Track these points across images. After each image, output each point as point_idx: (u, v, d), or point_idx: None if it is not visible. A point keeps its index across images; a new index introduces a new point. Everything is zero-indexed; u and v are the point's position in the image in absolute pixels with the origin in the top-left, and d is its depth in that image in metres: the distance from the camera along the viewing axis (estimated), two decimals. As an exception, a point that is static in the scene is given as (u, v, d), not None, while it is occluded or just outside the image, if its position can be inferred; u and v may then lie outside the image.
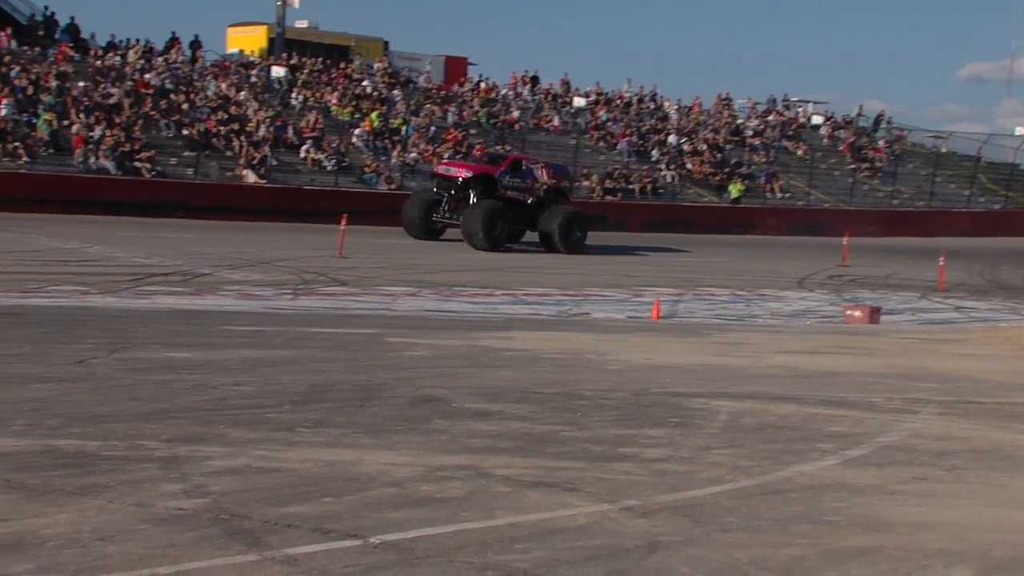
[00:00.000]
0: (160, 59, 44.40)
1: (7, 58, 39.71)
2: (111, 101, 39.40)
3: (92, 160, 36.06)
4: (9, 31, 41.77)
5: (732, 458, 8.38)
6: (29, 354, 11.12)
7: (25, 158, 35.00)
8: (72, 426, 8.06)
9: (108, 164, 36.16)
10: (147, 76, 42.17)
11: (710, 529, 6.62)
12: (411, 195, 35.14)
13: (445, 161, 37.07)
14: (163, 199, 35.83)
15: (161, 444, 7.70)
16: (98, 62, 42.27)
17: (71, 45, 42.86)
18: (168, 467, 7.16)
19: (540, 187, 33.33)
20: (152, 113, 39.92)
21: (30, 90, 38.04)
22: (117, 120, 38.35)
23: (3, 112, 36.15)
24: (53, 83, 38.91)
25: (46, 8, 44.78)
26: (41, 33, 43.48)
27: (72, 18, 45.12)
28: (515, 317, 17.56)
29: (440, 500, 6.85)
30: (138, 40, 45.36)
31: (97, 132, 36.90)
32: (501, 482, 7.33)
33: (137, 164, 36.93)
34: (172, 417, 8.57)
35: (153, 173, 37.23)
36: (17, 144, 35.17)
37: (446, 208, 32.54)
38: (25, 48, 41.30)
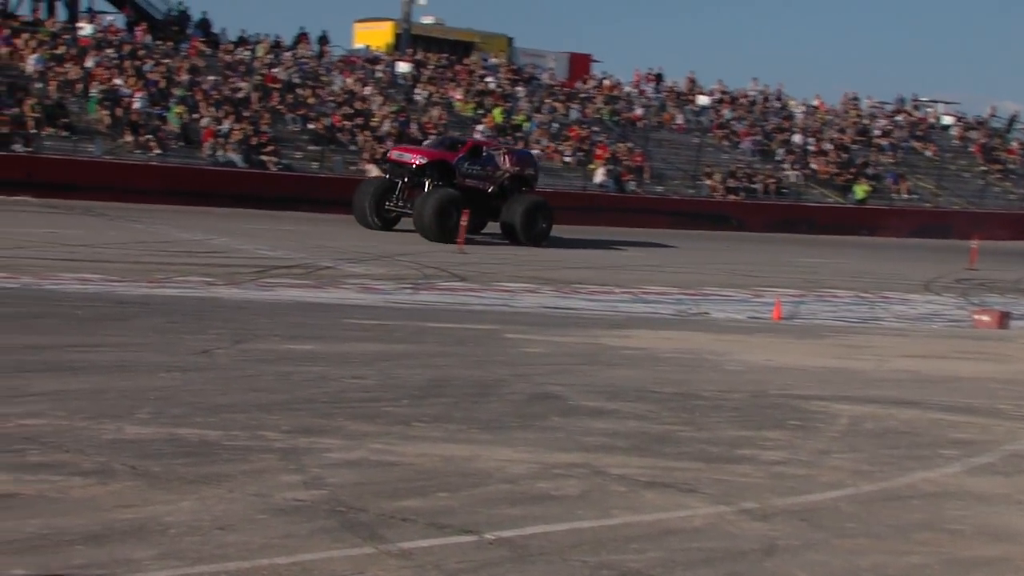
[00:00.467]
0: (288, 54, 44.98)
1: (141, 52, 40.55)
2: (240, 95, 40.02)
3: (220, 153, 36.66)
4: (145, 26, 42.68)
5: (852, 463, 8.25)
6: (156, 343, 11.34)
7: (157, 150, 35.72)
8: (195, 415, 8.19)
9: (235, 157, 36.73)
10: (275, 70, 42.76)
11: (829, 534, 6.52)
12: (362, 182, 32.96)
13: (398, 146, 34.17)
14: (288, 192, 36.29)
15: (281, 435, 7.79)
16: (228, 56, 42.97)
17: (203, 40, 43.61)
18: (287, 458, 7.24)
19: (502, 175, 31.15)
20: (279, 107, 40.46)
21: (163, 83, 38.80)
22: (245, 114, 38.94)
23: (136, 105, 36.91)
24: (185, 77, 39.65)
25: (180, 4, 45.71)
26: (175, 28, 44.33)
27: (204, 13, 45.96)
28: (634, 315, 17.49)
29: (555, 498, 6.84)
30: (267, 35, 46.05)
31: (226, 125, 37.51)
32: (617, 481, 7.30)
33: (263, 157, 37.47)
34: (292, 408, 8.67)
35: (279, 166, 37.74)
36: (149, 137, 35.89)
37: (400, 196, 30.44)
38: (159, 43, 42.13)
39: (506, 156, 31.71)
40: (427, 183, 29.59)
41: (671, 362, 12.57)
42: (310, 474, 6.93)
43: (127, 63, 39.16)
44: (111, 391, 8.77)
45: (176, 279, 17.53)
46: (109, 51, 39.71)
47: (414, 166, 29.83)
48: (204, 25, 45.26)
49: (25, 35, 38.85)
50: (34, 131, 34.19)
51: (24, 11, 43.42)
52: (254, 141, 37.67)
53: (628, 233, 37.53)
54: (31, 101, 34.96)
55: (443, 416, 8.84)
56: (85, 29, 41.20)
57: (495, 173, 31.07)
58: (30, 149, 33.70)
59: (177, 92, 38.60)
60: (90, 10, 44.89)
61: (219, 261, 20.56)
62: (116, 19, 44.50)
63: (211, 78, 40.29)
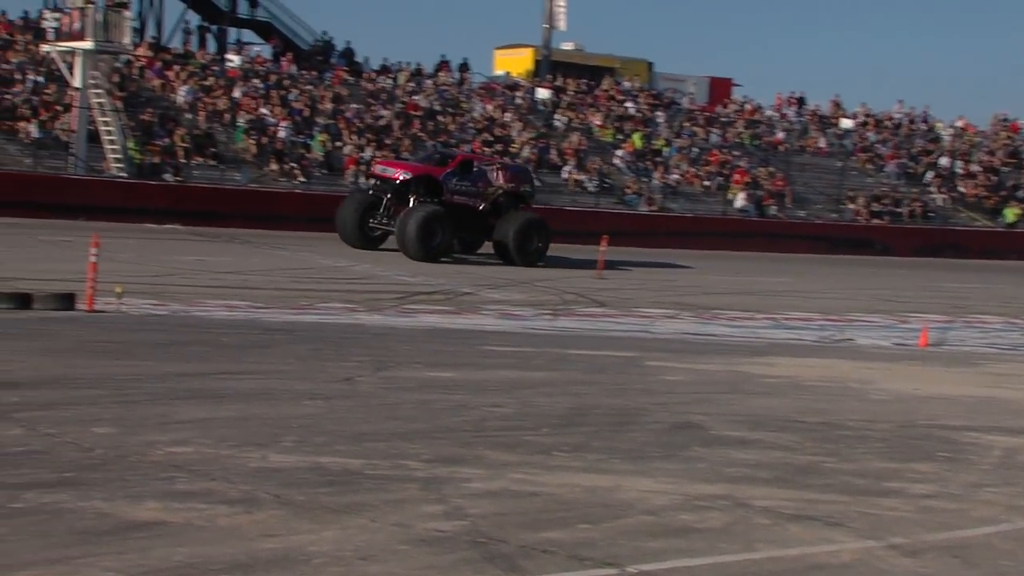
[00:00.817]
0: (429, 81, 45.47)
1: (286, 82, 41.33)
2: (381, 122, 40.55)
3: (362, 180, 37.13)
4: (291, 57, 43.54)
5: (1007, 497, 8.00)
6: (299, 370, 11.48)
7: (301, 178, 36.33)
8: (337, 444, 8.25)
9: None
10: (416, 98, 43.25)
11: (983, 572, 6.33)
12: (346, 196, 31.23)
13: (383, 160, 32.86)
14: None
15: (422, 464, 7.81)
16: (370, 85, 43.58)
17: (346, 69, 44.32)
18: (428, 488, 7.25)
19: (495, 191, 29.31)
20: (420, 134, 40.89)
21: (307, 112, 39.49)
22: (387, 141, 39.43)
23: (281, 134, 37.62)
24: (328, 106, 40.31)
25: (324, 33, 46.57)
26: (319, 58, 45.14)
27: (348, 43, 46.73)
28: (776, 342, 17.24)
29: (698, 530, 6.74)
30: (408, 63, 46.60)
31: (368, 153, 38.01)
32: (761, 513, 7.17)
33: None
34: (432, 437, 8.69)
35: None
36: (293, 165, 36.54)
37: (385, 213, 28.74)
38: (304, 72, 42.91)
39: (499, 172, 29.92)
40: (412, 200, 28.05)
41: (814, 391, 12.35)
42: (451, 504, 6.93)
43: (273, 93, 39.94)
44: (255, 419, 8.89)
45: (319, 305, 17.76)
46: (256, 81, 40.57)
47: (398, 181, 28.30)
48: (348, 54, 46.00)
49: (176, 67, 39.87)
50: (183, 160, 35.05)
51: (175, 44, 44.61)
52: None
53: (767, 258, 37.13)
54: (181, 131, 35.85)
55: (583, 445, 8.78)
56: (233, 60, 42.17)
57: (487, 189, 29.29)
58: (180, 178, 34.55)
59: (320, 120, 39.26)
60: (238, 41, 45.98)
61: (361, 287, 20.79)
62: (263, 50, 45.53)
63: (354, 106, 40.90)
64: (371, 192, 29.54)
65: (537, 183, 33.35)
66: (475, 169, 29.50)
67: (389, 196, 28.63)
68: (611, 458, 8.42)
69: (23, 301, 14.69)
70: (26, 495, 6.42)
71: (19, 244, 24.37)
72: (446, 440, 8.63)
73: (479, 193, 29.16)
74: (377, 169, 29.94)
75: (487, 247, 29.73)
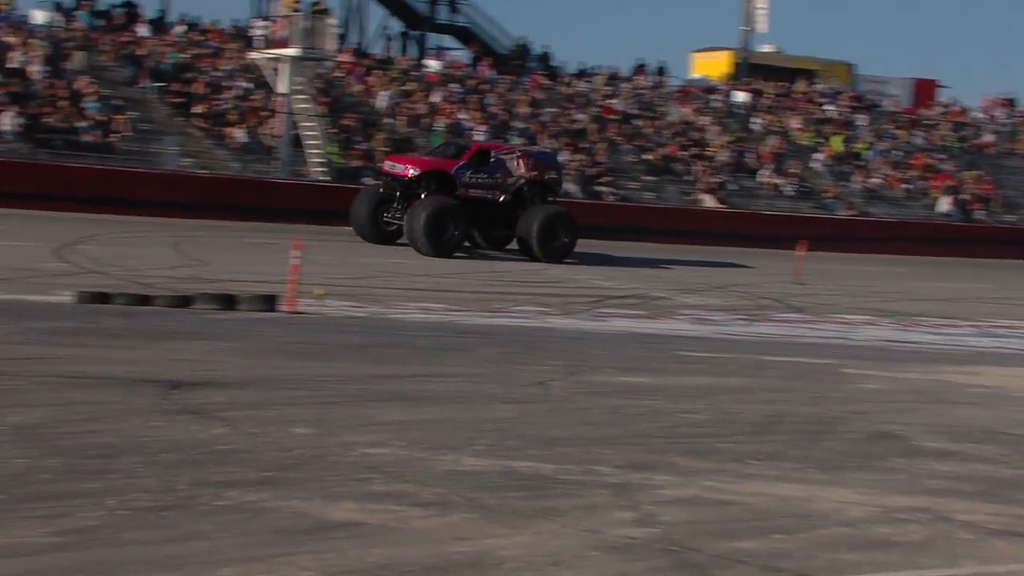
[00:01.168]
0: (626, 85, 45.42)
1: (483, 86, 41.76)
2: (577, 126, 40.65)
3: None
4: (489, 61, 44.01)
5: None
6: (493, 374, 11.56)
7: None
8: (529, 448, 8.27)
9: (572, 188, 37.28)
10: (612, 102, 43.24)
11: None
12: (359, 191, 29.83)
13: (392, 156, 30.73)
14: (623, 222, 36.57)
15: (613, 470, 7.78)
16: (567, 89, 43.74)
17: (543, 73, 44.58)
18: (620, 494, 7.21)
19: (515, 181, 27.59)
20: (616, 138, 40.87)
21: (503, 116, 39.84)
22: (582, 145, 39.51)
23: (478, 137, 38.01)
24: (525, 110, 40.59)
25: (521, 38, 46.98)
26: (517, 62, 45.51)
27: (545, 47, 47.03)
28: (982, 350, 16.73)
29: (897, 543, 6.56)
30: (605, 67, 46.65)
31: (564, 157, 38.15)
32: (963, 528, 6.95)
33: (599, 188, 37.90)
34: (624, 443, 8.65)
35: (614, 197, 38.09)
36: (489, 169, 36.86)
37: (398, 207, 27.33)
38: (501, 76, 43.31)
39: (520, 160, 28.05)
40: (423, 195, 26.82)
41: (1023, 402, 11.94)
42: (642, 511, 6.88)
43: (470, 97, 40.40)
44: (449, 422, 8.98)
45: (513, 309, 17.88)
46: (454, 86, 41.07)
47: (407, 177, 27.12)
48: (545, 58, 46.28)
49: (377, 73, 40.63)
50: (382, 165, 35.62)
51: (377, 50, 45.50)
52: (591, 172, 38.16)
53: (972, 264, 36.08)
54: (381, 136, 36.50)
55: (778, 454, 8.64)
56: (432, 65, 42.78)
57: (506, 180, 27.60)
58: (379, 183, 35.13)
59: (517, 124, 39.54)
60: (438, 47, 46.65)
61: (555, 291, 20.87)
62: (462, 55, 46.13)
63: (550, 110, 41.09)
64: (381, 191, 28.24)
65: (563, 173, 31.42)
66: (492, 159, 27.80)
67: (399, 193, 27.38)
68: (806, 467, 8.26)
69: (228, 302, 15.15)
70: (229, 493, 6.59)
71: (227, 247, 25.17)
72: (638, 446, 8.58)
73: (498, 184, 27.54)
74: (386, 166, 28.61)
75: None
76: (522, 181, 27.72)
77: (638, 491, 7.30)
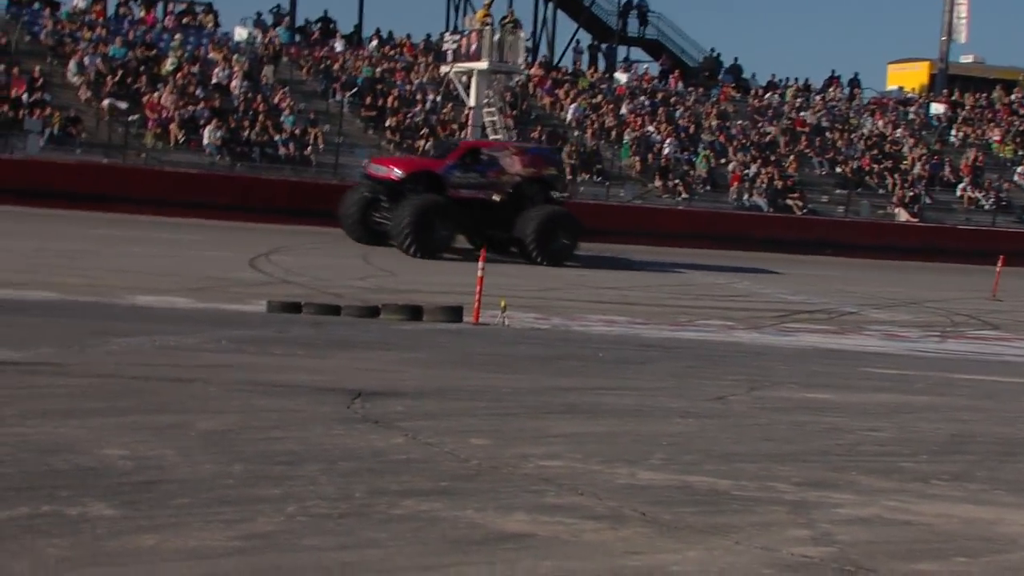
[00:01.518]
0: (818, 97, 44.76)
1: (673, 99, 41.62)
2: (767, 139, 40.20)
3: (746, 197, 36.93)
4: (678, 74, 43.84)
5: None
6: (673, 387, 11.50)
7: (684, 195, 36.47)
8: (706, 463, 8.20)
9: (761, 201, 36.89)
10: (803, 114, 42.66)
11: None
12: (347, 191, 28.41)
13: (376, 158, 29.45)
14: (812, 236, 36.03)
15: (791, 487, 7.66)
16: (757, 101, 43.29)
17: (733, 85, 44.22)
18: (796, 512, 7.10)
19: (510, 179, 26.26)
20: (806, 151, 40.28)
21: (692, 129, 39.63)
22: (772, 158, 39.05)
23: (666, 151, 37.90)
24: (713, 122, 40.31)
25: (712, 50, 46.62)
26: (706, 75, 45.25)
27: (736, 59, 46.66)
28: None
29: (1087, 572, 6.32)
30: (796, 79, 46.03)
31: (752, 169, 37.77)
32: None
33: (789, 201, 37.40)
34: (803, 460, 8.51)
35: (804, 211, 37.54)
36: (677, 181, 36.73)
37: (387, 208, 26.20)
38: (690, 89, 43.10)
39: (515, 157, 26.70)
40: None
41: None
42: (819, 529, 6.76)
43: (659, 110, 40.29)
44: (626, 435, 8.95)
45: (698, 322, 17.76)
46: (642, 99, 41.02)
47: (392, 180, 26.07)
48: (735, 71, 45.91)
49: (566, 85, 40.82)
50: (570, 177, 35.76)
51: (566, 63, 45.72)
52: (780, 185, 37.70)
53: None
54: (569, 148, 36.65)
55: (964, 475, 8.40)
56: (621, 78, 42.79)
57: (500, 178, 26.35)
58: (567, 195, 35.30)
59: (705, 137, 39.30)
60: (627, 59, 46.63)
61: (741, 305, 20.66)
62: (651, 68, 46.04)
63: (739, 123, 40.73)
64: (367, 195, 27.05)
65: (564, 171, 30.08)
66: (484, 158, 26.61)
67: (384, 198, 26.39)
68: (994, 489, 8.01)
69: (415, 313, 15.39)
70: (405, 502, 6.67)
71: (408, 259, 25.22)
72: (818, 463, 8.43)
73: (492, 184, 26.29)
74: (371, 169, 27.49)
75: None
76: (519, 179, 26.64)
77: (816, 509, 7.17)
